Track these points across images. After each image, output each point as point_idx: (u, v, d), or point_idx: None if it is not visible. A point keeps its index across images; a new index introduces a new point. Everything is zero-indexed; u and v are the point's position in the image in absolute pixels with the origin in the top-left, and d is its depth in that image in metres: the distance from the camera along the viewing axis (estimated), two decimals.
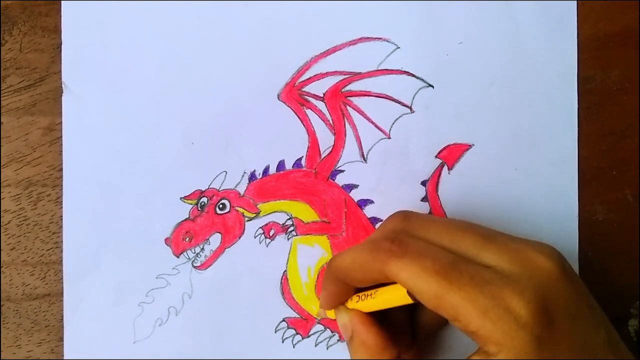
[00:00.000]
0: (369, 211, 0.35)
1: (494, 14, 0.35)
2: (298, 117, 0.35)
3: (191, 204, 0.34)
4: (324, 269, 0.35)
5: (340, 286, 0.30)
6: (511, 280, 0.25)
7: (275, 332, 0.35)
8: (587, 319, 0.26)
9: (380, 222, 0.30)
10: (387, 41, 0.35)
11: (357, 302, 0.30)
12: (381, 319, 0.30)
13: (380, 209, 0.35)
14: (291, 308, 0.35)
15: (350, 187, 0.35)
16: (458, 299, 0.24)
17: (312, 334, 0.35)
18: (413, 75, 0.35)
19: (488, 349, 0.25)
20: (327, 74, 0.34)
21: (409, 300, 0.27)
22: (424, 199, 0.35)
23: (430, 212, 0.35)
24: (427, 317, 0.32)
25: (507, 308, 0.24)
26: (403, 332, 0.32)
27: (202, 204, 0.34)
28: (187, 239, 0.34)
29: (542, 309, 0.24)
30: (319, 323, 0.35)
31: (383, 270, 0.26)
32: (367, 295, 0.29)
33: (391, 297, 0.28)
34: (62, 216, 0.34)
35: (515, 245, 0.26)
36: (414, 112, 0.35)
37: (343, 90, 0.35)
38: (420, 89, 0.35)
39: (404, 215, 0.29)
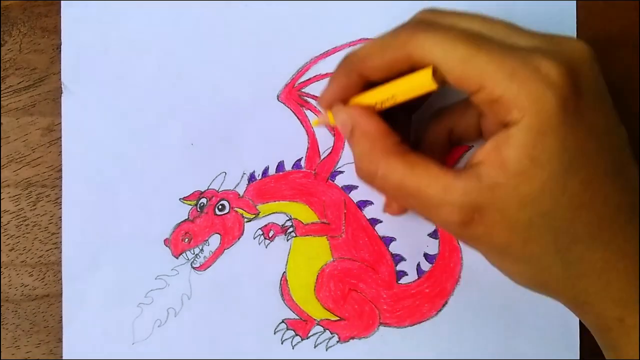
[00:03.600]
0: (369, 212, 0.35)
1: (494, 14, 0.35)
2: (297, 118, 0.35)
3: (190, 204, 0.34)
4: (324, 270, 0.35)
5: (352, 77, 0.28)
6: (541, 50, 0.24)
7: (275, 333, 0.35)
8: (612, 109, 0.25)
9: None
10: None
11: (360, 95, 0.28)
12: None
13: (380, 210, 0.35)
14: (290, 309, 0.35)
15: (350, 188, 0.35)
16: (485, 62, 0.24)
17: (312, 335, 0.35)
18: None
19: (511, 118, 0.24)
20: (326, 75, 0.34)
21: (430, 85, 0.25)
22: None
23: None
24: (426, 142, 0.32)
25: (535, 68, 0.23)
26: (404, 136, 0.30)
27: (202, 204, 0.34)
28: (187, 239, 0.34)
29: (571, 75, 0.23)
30: (318, 324, 0.35)
31: (406, 45, 0.25)
32: (378, 86, 0.27)
33: (410, 82, 0.26)
34: (61, 217, 0.34)
35: (547, 33, 0.26)
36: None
37: None
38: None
39: (430, 8, 0.27)
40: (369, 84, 0.28)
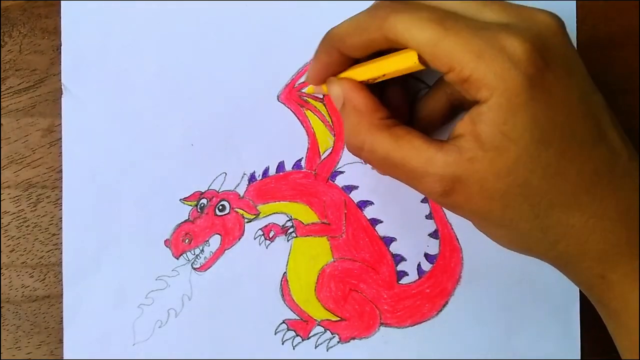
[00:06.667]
0: (369, 212, 0.35)
1: None
2: (298, 118, 0.35)
3: (191, 205, 0.34)
4: (324, 270, 0.35)
5: (334, 56, 0.29)
6: (508, 27, 0.25)
7: (275, 333, 0.35)
8: (584, 78, 0.26)
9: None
10: None
11: (352, 69, 0.29)
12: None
13: (380, 210, 0.35)
14: (291, 310, 0.35)
15: (350, 188, 0.35)
16: (452, 44, 0.24)
17: (312, 336, 0.35)
18: (413, 76, 0.35)
19: (481, 96, 0.24)
20: None
21: (418, 67, 0.26)
22: (424, 200, 0.35)
23: (430, 214, 0.35)
24: (426, 109, 0.32)
25: (501, 48, 0.24)
26: (400, 113, 0.31)
27: (202, 205, 0.34)
28: (187, 240, 0.34)
29: (537, 51, 0.24)
30: (319, 325, 0.35)
31: (381, 27, 0.26)
32: (366, 63, 0.29)
33: (398, 64, 0.27)
34: (61, 218, 0.34)
35: (518, 5, 0.26)
36: None
37: None
38: (420, 90, 0.35)
39: None
40: (356, 60, 0.29)
